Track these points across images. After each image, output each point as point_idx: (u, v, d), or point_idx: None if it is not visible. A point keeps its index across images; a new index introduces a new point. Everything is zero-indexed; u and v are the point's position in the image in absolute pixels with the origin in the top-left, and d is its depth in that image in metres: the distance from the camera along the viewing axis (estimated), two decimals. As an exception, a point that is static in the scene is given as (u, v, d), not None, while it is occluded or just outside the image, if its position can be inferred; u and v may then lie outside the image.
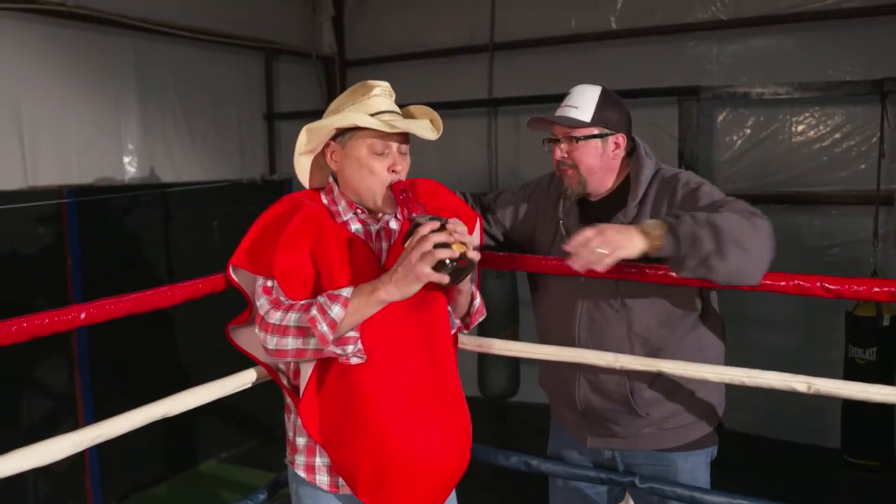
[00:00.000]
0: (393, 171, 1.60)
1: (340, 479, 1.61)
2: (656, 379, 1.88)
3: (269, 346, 1.53)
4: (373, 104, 1.61)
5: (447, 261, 1.42)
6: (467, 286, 1.70)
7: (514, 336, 4.26)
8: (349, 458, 1.57)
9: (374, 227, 1.65)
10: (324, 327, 1.46)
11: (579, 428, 2.05)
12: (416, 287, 1.47)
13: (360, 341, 1.52)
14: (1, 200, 3.43)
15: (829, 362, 4.02)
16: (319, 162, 1.72)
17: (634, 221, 1.83)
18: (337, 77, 5.64)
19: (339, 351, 1.50)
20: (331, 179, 1.73)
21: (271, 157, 5.25)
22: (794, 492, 3.81)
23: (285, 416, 1.73)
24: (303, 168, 1.72)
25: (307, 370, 1.60)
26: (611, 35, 4.73)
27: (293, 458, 1.67)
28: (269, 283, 1.57)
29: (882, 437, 3.97)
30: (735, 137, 4.52)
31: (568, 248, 1.64)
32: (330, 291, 1.51)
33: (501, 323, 4.15)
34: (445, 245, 1.42)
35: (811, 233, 4.27)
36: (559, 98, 1.94)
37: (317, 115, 6.22)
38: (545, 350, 1.96)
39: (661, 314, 1.87)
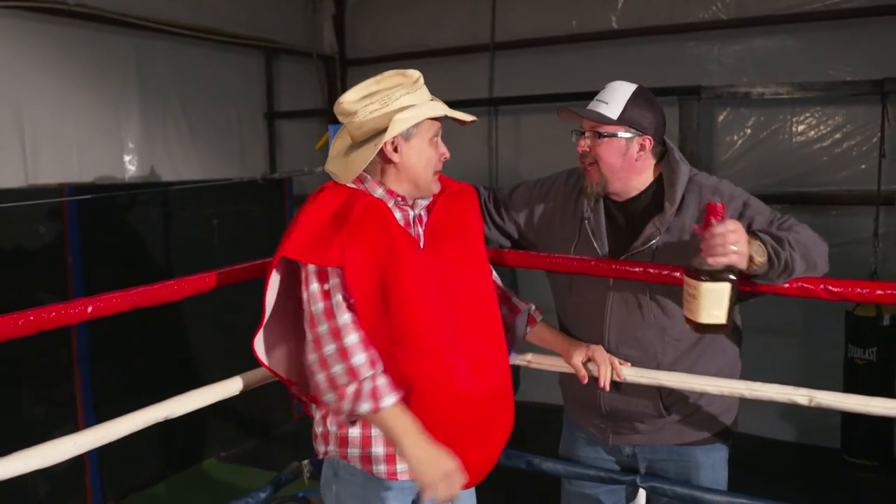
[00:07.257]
0: (444, 157, 1.67)
1: (400, 466, 1.59)
2: None
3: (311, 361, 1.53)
4: (426, 92, 1.68)
5: None
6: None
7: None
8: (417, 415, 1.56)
9: (412, 214, 1.66)
10: (348, 404, 1.49)
11: (599, 427, 2.03)
12: None
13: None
14: (2, 198, 3.43)
15: (829, 362, 4.02)
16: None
17: (672, 228, 1.83)
18: (337, 76, 5.63)
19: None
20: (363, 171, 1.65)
21: (271, 156, 5.23)
22: (793, 491, 3.81)
23: (318, 414, 1.68)
24: (365, 160, 1.59)
25: None
26: (611, 35, 4.73)
27: (344, 452, 1.63)
28: (333, 278, 1.52)
29: (882, 437, 3.99)
30: (736, 137, 4.52)
31: (705, 233, 1.58)
32: (383, 387, 1.50)
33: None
34: None
35: (811, 233, 4.26)
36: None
37: (318, 114, 6.14)
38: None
39: None
